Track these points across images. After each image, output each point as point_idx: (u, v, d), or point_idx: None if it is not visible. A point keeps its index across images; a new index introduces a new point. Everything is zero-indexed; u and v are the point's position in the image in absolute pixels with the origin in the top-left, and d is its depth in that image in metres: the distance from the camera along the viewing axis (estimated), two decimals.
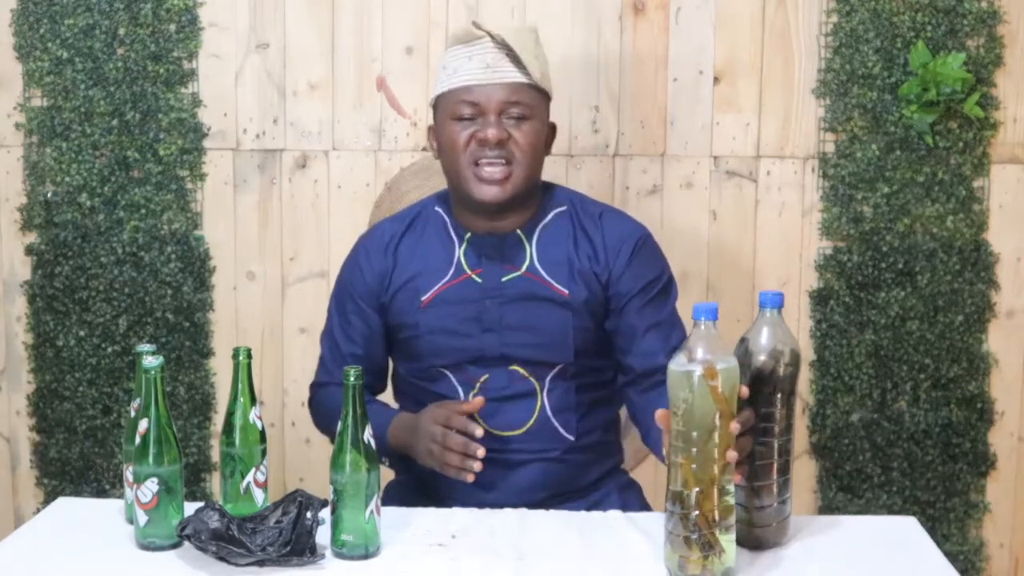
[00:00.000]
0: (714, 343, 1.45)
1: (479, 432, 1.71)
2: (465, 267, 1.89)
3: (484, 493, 1.84)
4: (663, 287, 1.91)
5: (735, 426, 1.45)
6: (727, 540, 1.47)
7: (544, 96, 1.88)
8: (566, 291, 1.86)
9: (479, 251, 1.89)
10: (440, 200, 1.98)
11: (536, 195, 1.92)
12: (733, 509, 1.47)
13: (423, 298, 1.89)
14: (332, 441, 1.58)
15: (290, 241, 2.68)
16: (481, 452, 1.70)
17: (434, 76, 2.58)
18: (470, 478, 1.72)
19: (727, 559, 1.47)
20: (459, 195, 1.89)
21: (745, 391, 1.50)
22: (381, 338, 1.96)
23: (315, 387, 2.05)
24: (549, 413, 1.87)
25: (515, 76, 1.82)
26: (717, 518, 1.45)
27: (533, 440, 1.87)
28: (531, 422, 1.87)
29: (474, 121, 1.83)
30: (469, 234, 1.91)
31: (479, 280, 1.87)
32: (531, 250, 1.88)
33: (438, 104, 1.89)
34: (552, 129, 1.93)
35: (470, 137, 1.82)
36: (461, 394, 1.87)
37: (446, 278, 1.89)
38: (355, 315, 1.96)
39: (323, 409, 2.00)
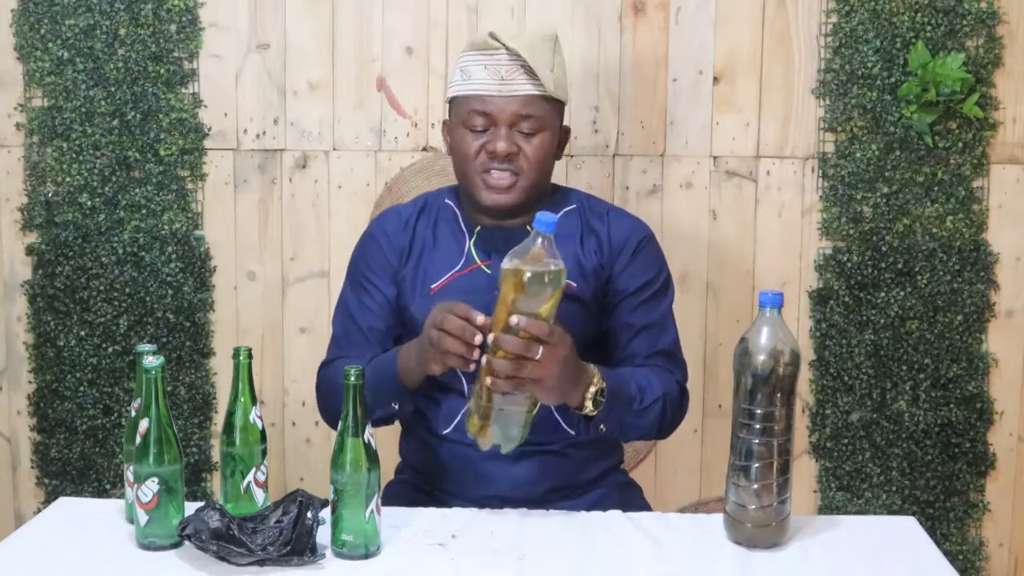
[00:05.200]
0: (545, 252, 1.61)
1: (480, 319, 1.65)
2: (475, 258, 1.91)
3: (484, 485, 1.85)
4: (660, 288, 1.94)
5: (513, 319, 1.58)
6: (494, 425, 1.67)
7: (558, 104, 1.90)
8: (574, 285, 1.89)
9: (489, 244, 1.92)
10: (450, 193, 2.01)
11: (546, 197, 1.96)
12: (490, 395, 1.64)
13: (433, 285, 1.91)
14: (334, 427, 1.59)
15: (290, 241, 2.68)
16: (478, 339, 1.64)
17: (433, 75, 2.61)
18: (470, 367, 1.67)
19: (490, 439, 1.69)
20: (468, 196, 1.93)
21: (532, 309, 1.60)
22: (398, 312, 1.96)
23: (323, 367, 1.99)
24: (552, 406, 1.88)
25: (528, 89, 1.84)
26: (483, 397, 1.65)
27: (535, 433, 1.87)
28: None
29: (485, 132, 1.86)
30: (479, 228, 1.93)
31: (489, 272, 1.89)
32: None
33: (452, 104, 1.93)
34: (566, 133, 1.96)
35: (480, 148, 1.86)
36: (465, 384, 1.87)
37: (456, 267, 1.92)
38: (374, 288, 1.95)
39: (328, 387, 1.93)
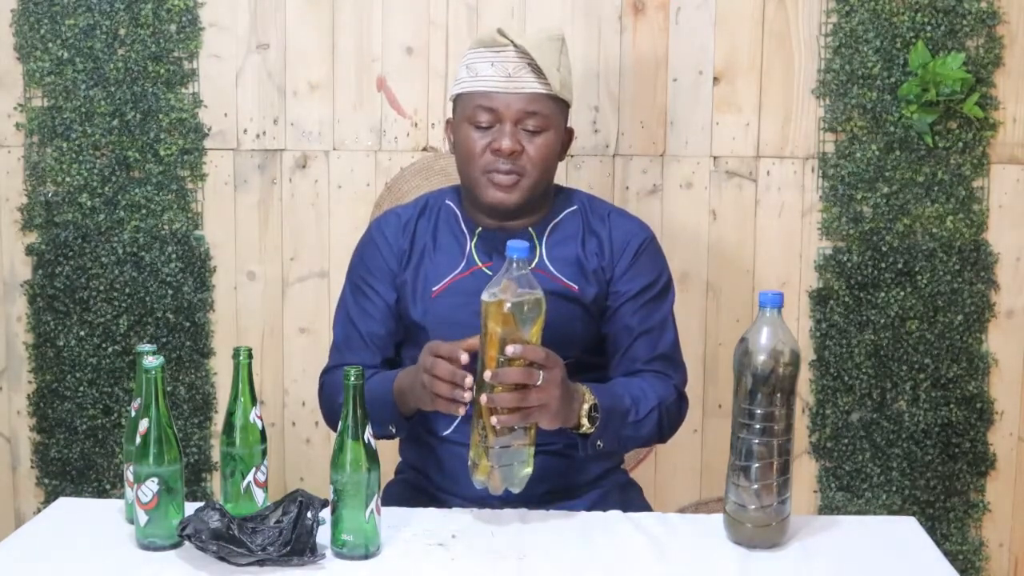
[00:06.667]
0: (525, 279, 1.59)
1: (464, 357, 1.63)
2: (476, 259, 1.90)
3: None
4: (660, 291, 1.94)
5: (510, 349, 1.57)
6: (501, 467, 1.64)
7: (563, 105, 1.90)
8: (575, 286, 1.88)
9: (490, 245, 1.91)
10: (451, 194, 2.01)
11: (548, 197, 1.96)
12: (493, 433, 1.61)
13: (434, 288, 1.91)
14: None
15: (290, 241, 2.68)
16: (468, 381, 1.62)
17: (433, 75, 2.61)
18: (460, 411, 1.65)
19: (500, 482, 1.65)
20: (470, 195, 1.92)
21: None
22: (399, 317, 1.95)
23: (325, 374, 2.00)
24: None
25: (535, 87, 1.84)
26: (485, 436, 1.62)
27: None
28: None
29: (490, 129, 1.85)
30: (480, 229, 1.93)
31: (490, 273, 1.88)
32: (541, 247, 1.91)
33: (457, 102, 1.92)
34: (569, 135, 1.96)
35: (485, 146, 1.85)
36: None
37: (458, 270, 1.91)
38: (374, 293, 1.95)
39: (331, 395, 1.94)
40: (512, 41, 1.84)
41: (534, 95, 1.84)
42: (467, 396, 1.62)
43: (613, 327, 1.92)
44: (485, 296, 1.59)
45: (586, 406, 1.73)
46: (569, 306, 1.88)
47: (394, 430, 1.85)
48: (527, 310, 1.59)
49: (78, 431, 2.73)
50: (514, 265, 1.59)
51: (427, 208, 1.99)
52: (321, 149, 2.66)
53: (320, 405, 2.01)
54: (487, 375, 1.59)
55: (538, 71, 1.83)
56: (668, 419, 1.87)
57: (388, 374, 1.85)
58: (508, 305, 1.57)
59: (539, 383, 1.61)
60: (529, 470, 1.68)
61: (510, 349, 1.58)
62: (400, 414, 1.82)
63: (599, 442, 1.76)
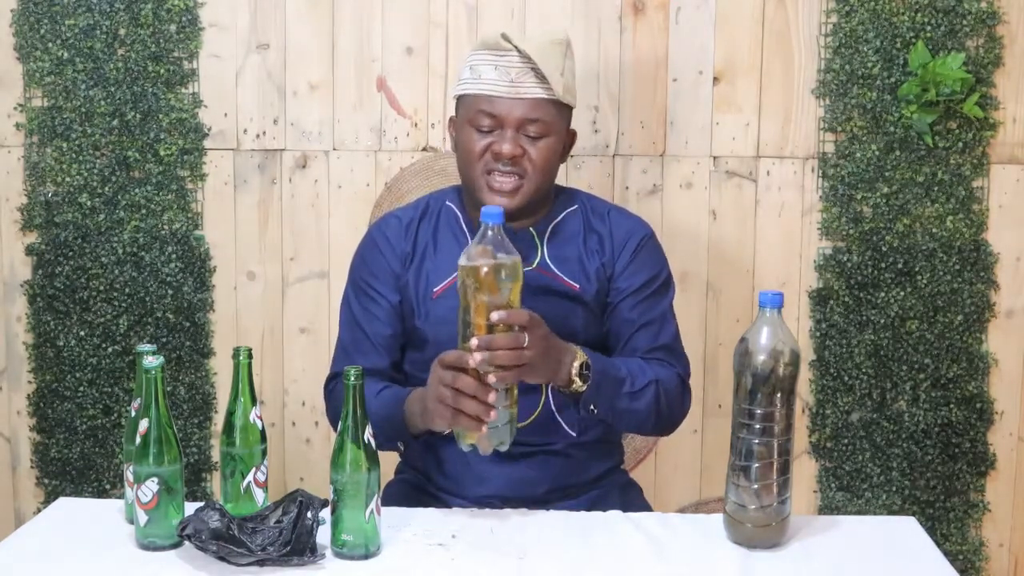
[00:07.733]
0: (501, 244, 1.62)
1: (471, 361, 1.62)
2: None
3: (484, 485, 1.85)
4: (660, 286, 1.95)
5: (495, 315, 1.60)
6: (489, 428, 1.65)
7: (566, 109, 1.91)
8: (576, 285, 1.89)
9: None
10: (451, 195, 2.01)
11: (549, 199, 1.96)
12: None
13: (435, 289, 1.91)
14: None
15: (290, 241, 2.68)
16: (492, 397, 1.62)
17: (433, 75, 2.61)
18: (483, 429, 1.65)
19: (489, 442, 1.67)
20: (471, 196, 1.92)
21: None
22: (403, 318, 1.96)
23: (331, 380, 2.01)
24: (553, 408, 1.88)
25: (537, 92, 1.84)
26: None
27: (536, 434, 1.87)
28: (534, 416, 1.87)
29: (492, 133, 1.85)
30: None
31: None
32: (542, 247, 1.91)
33: (459, 102, 1.92)
34: (572, 137, 1.97)
35: (486, 148, 1.86)
36: None
37: None
38: (378, 295, 1.95)
39: (338, 403, 1.92)
40: (515, 46, 1.84)
41: (536, 101, 1.84)
42: (493, 415, 1.63)
43: (614, 322, 1.93)
44: (462, 260, 1.62)
45: (577, 363, 1.74)
46: (571, 305, 1.88)
47: (402, 447, 1.88)
48: (506, 275, 1.61)
49: (78, 431, 2.73)
50: (489, 232, 1.61)
51: (428, 210, 2.00)
52: (321, 149, 2.66)
53: (327, 413, 2.02)
54: (473, 342, 1.61)
55: (541, 76, 1.83)
56: (667, 400, 1.86)
57: (398, 394, 1.85)
58: (491, 269, 1.60)
59: (526, 345, 1.63)
60: (512, 431, 1.69)
61: (495, 316, 1.61)
62: (409, 434, 1.83)
63: (593, 407, 1.77)
